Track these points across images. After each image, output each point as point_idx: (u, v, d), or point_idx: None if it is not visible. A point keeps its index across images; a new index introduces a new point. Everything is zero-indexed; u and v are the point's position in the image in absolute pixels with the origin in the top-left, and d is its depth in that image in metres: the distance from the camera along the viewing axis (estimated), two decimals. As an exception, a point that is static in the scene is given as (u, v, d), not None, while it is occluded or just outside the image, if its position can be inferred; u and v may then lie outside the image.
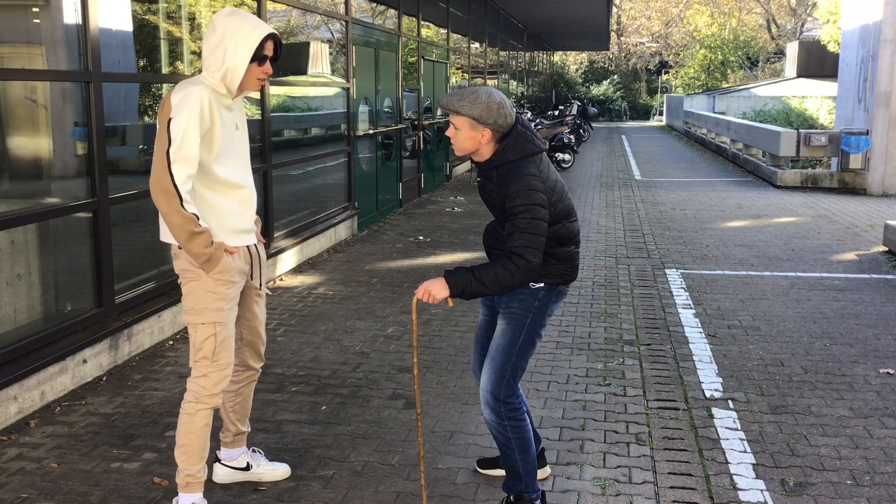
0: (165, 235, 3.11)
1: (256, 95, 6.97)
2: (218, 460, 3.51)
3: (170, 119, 2.91)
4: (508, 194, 2.92)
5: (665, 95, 42.69)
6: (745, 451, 3.81)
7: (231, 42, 2.98)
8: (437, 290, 2.95)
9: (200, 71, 3.12)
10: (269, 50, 3.08)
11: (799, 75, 31.43)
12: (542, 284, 3.10)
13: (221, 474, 3.49)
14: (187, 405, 3.13)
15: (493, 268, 2.90)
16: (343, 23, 9.23)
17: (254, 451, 3.55)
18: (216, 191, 3.08)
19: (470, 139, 3.01)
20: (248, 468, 3.49)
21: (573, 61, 50.93)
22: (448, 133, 3.07)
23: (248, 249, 3.24)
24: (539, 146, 3.04)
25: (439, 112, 13.97)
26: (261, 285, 3.33)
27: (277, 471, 3.52)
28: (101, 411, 4.27)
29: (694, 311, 6.17)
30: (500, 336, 3.15)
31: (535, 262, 2.89)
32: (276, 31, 3.08)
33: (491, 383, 3.12)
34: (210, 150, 3.02)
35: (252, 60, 3.02)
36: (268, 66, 3.11)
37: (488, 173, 3.07)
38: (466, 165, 16.54)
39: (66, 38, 4.74)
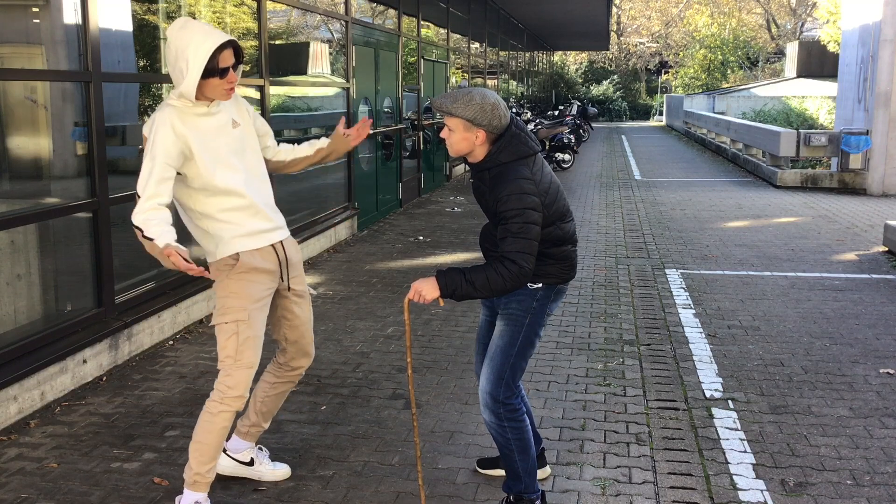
0: (208, 258, 3.15)
1: (256, 95, 6.97)
2: (224, 450, 3.52)
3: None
4: (500, 197, 2.90)
5: (665, 95, 42.69)
6: (745, 451, 3.81)
7: (182, 58, 2.91)
8: (427, 290, 2.93)
9: None
10: (226, 60, 2.95)
11: (799, 75, 31.44)
12: (540, 285, 3.09)
13: (224, 465, 3.50)
14: (211, 404, 3.12)
15: (485, 271, 2.87)
16: (343, 23, 9.23)
17: (260, 448, 3.56)
18: (218, 201, 3.05)
19: (464, 140, 3.00)
20: (251, 463, 3.51)
21: (573, 61, 50.93)
22: (442, 134, 3.06)
23: (276, 251, 3.20)
24: (533, 148, 3.01)
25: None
26: (289, 287, 3.29)
27: (278, 471, 3.53)
28: (101, 411, 4.27)
29: (694, 311, 6.17)
30: (498, 337, 3.14)
31: (527, 268, 2.87)
32: (231, 38, 2.96)
33: (490, 384, 3.12)
34: (197, 166, 2.98)
35: (210, 75, 2.93)
36: (231, 76, 3.00)
37: (481, 175, 3.06)
38: (466, 165, 16.55)
39: (66, 38, 4.74)
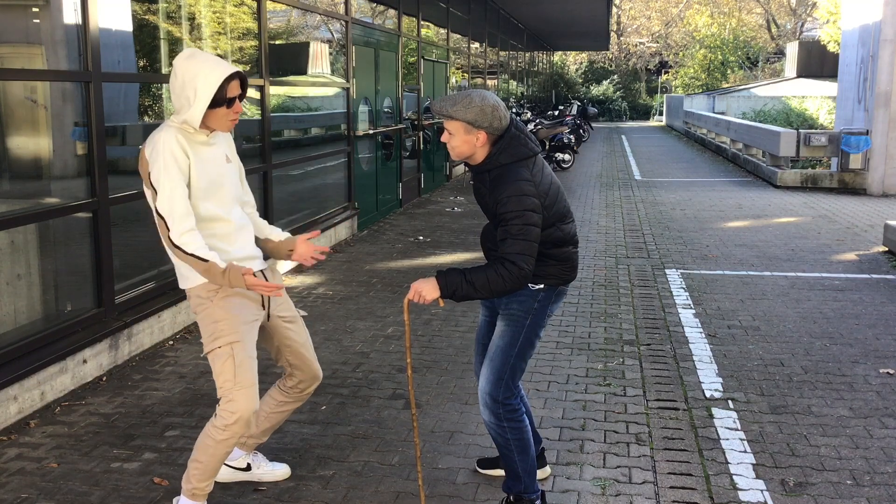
0: (183, 282, 3.14)
1: (256, 95, 6.97)
2: None
3: (149, 173, 2.93)
4: (500, 199, 2.90)
5: (665, 95, 42.69)
6: (745, 451, 3.81)
7: (190, 87, 2.92)
8: (427, 290, 2.93)
9: None
10: (233, 91, 2.98)
11: (799, 75, 31.44)
12: (541, 286, 3.09)
13: (221, 473, 3.49)
14: (214, 430, 3.05)
15: (486, 272, 2.87)
16: (343, 23, 9.23)
17: (255, 452, 3.55)
18: (204, 226, 3.04)
19: (465, 143, 3.00)
20: (248, 468, 3.49)
21: (573, 61, 50.92)
22: (443, 139, 3.06)
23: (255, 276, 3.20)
24: (533, 149, 3.01)
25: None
26: (269, 317, 3.25)
27: (277, 471, 3.52)
28: (101, 411, 4.27)
29: (694, 311, 6.17)
30: (498, 337, 3.14)
31: (527, 269, 2.87)
32: (238, 70, 3.00)
33: (489, 385, 3.12)
34: (190, 189, 2.98)
35: (218, 104, 2.96)
36: (237, 106, 3.03)
37: (481, 176, 3.06)
38: (466, 165, 16.53)
39: (66, 38, 4.74)
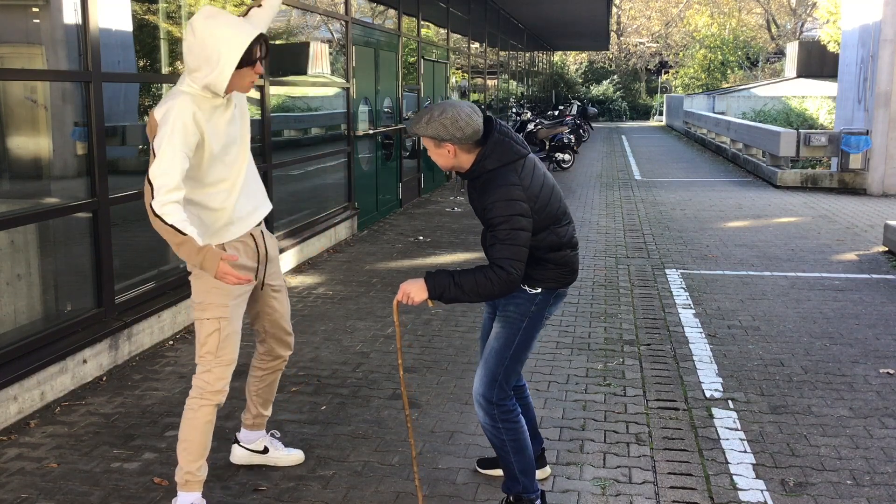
0: None
1: (256, 95, 6.97)
2: (237, 441, 3.59)
3: (155, 136, 2.86)
4: (487, 205, 2.90)
5: (665, 95, 42.69)
6: (745, 451, 3.81)
7: (213, 49, 2.85)
8: (415, 291, 2.93)
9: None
10: (257, 52, 2.95)
11: (799, 75, 31.44)
12: (539, 290, 3.09)
13: (239, 455, 3.58)
14: (191, 401, 3.14)
15: (475, 275, 2.88)
16: (343, 23, 9.23)
17: (272, 435, 3.62)
18: (207, 192, 3.03)
19: (440, 156, 3.03)
20: (265, 451, 3.58)
21: (573, 61, 50.91)
22: (429, 153, 3.12)
23: (257, 246, 3.20)
24: (519, 152, 2.99)
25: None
26: (262, 285, 3.30)
27: (292, 456, 3.61)
28: (101, 411, 4.27)
29: (694, 311, 6.17)
30: (494, 339, 3.13)
31: (515, 274, 2.87)
32: (261, 32, 2.96)
33: (483, 386, 3.11)
34: (202, 158, 2.94)
35: (242, 66, 2.91)
36: (259, 66, 2.99)
37: (472, 183, 3.07)
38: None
39: (66, 38, 4.74)
